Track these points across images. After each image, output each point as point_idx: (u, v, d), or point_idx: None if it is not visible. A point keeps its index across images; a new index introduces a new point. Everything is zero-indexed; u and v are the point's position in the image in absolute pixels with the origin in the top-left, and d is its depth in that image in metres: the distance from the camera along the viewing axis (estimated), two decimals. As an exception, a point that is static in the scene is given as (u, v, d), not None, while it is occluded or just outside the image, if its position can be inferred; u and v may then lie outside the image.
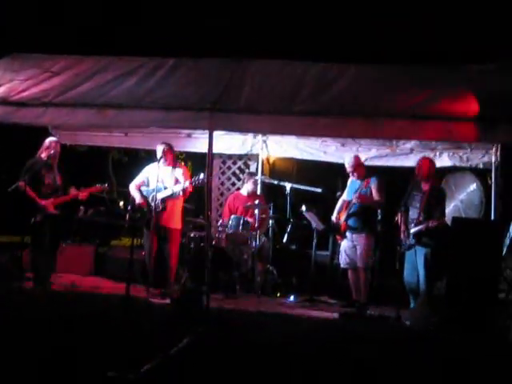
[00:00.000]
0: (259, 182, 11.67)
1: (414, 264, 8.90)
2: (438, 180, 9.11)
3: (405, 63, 9.09)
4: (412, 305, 8.89)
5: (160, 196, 9.59)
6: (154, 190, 9.54)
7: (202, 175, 9.21)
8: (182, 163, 10.15)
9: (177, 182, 9.72)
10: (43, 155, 9.75)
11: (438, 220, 8.66)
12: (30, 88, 9.15)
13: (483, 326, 7.61)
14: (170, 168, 9.81)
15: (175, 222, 9.83)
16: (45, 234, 9.70)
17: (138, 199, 9.79)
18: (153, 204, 9.54)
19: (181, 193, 9.65)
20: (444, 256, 8.53)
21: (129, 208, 10.14)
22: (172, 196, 9.68)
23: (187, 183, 9.52)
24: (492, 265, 8.13)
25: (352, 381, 5.57)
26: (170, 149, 9.80)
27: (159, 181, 9.60)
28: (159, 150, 9.71)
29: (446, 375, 5.81)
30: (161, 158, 9.67)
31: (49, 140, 9.94)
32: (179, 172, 9.80)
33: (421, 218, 8.80)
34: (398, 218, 8.93)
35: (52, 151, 9.77)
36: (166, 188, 9.65)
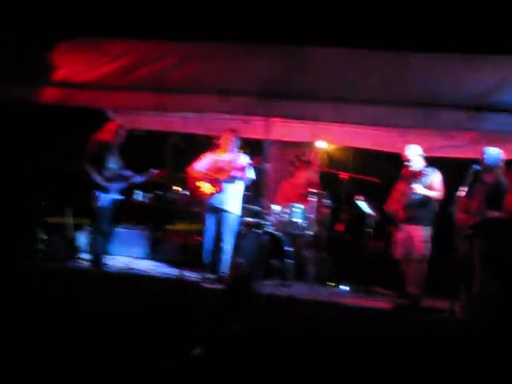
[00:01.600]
0: (315, 170, 11.63)
1: (470, 256, 8.76)
2: (504, 172, 8.90)
3: (468, 50, 8.90)
4: (463, 297, 8.75)
5: (221, 178, 9.65)
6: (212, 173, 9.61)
7: (266, 165, 9.22)
8: (241, 152, 10.14)
9: (238, 168, 9.75)
10: (108, 138, 9.81)
11: (496, 213, 8.53)
12: (90, 71, 9.24)
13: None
14: (232, 154, 9.84)
15: (233, 206, 9.87)
16: (107, 217, 9.81)
17: (198, 177, 9.83)
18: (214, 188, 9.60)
19: (243, 179, 9.70)
20: (500, 250, 8.41)
21: (185, 192, 10.19)
22: (233, 181, 9.72)
23: (251, 171, 9.58)
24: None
25: (401, 373, 5.52)
26: (235, 135, 9.84)
27: (220, 167, 9.67)
28: (226, 136, 9.76)
29: (497, 369, 5.73)
30: (224, 144, 9.72)
31: (117, 124, 10.02)
32: (242, 158, 9.83)
33: (480, 210, 8.66)
34: (458, 207, 8.80)
35: (119, 136, 9.85)
36: (224, 171, 9.71)
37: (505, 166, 8.91)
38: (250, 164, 9.81)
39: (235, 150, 9.90)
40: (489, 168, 8.75)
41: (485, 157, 8.79)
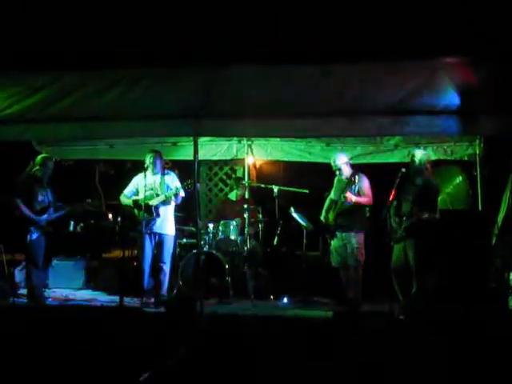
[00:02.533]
0: (246, 186, 11.71)
1: (402, 257, 8.89)
2: (432, 173, 9.09)
3: (381, 59, 9.08)
4: (401, 298, 8.89)
5: (153, 203, 9.64)
6: (145, 199, 9.58)
7: (198, 185, 9.24)
8: (171, 172, 10.15)
9: (167, 188, 9.76)
10: (37, 172, 9.74)
11: (429, 213, 8.68)
12: (13, 105, 9.15)
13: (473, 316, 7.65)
14: (160, 175, 9.85)
15: (169, 228, 9.86)
16: (40, 250, 9.72)
17: (132, 204, 9.80)
18: (145, 211, 9.57)
19: (173, 198, 9.70)
20: (434, 249, 8.56)
21: (119, 218, 10.16)
22: (165, 203, 9.72)
23: (179, 187, 9.58)
24: (482, 255, 8.18)
25: (352, 378, 5.59)
26: (159, 156, 9.85)
27: (150, 189, 9.67)
28: (148, 157, 9.76)
29: (442, 365, 5.84)
30: (149, 166, 9.72)
31: (43, 157, 9.95)
32: (169, 178, 9.85)
33: (413, 211, 8.81)
34: (390, 210, 8.95)
35: (46, 169, 9.78)
36: (158, 195, 9.70)
37: (431, 167, 9.11)
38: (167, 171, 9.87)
39: (160, 170, 9.89)
40: (417, 170, 8.92)
41: (412, 159, 8.97)
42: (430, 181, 8.96)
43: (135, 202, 9.79)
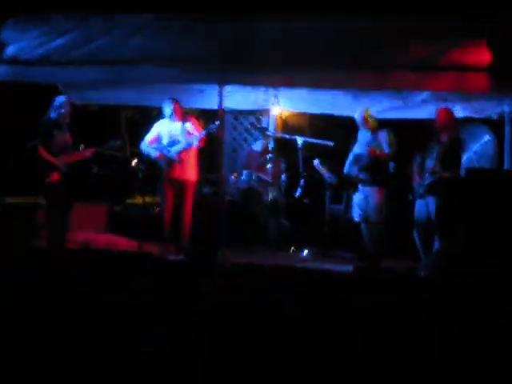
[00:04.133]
0: (270, 136, 11.66)
1: (424, 214, 8.86)
2: (457, 130, 9.00)
3: (414, 13, 8.95)
4: (422, 255, 8.87)
5: (175, 149, 9.63)
6: (167, 145, 9.57)
7: (216, 123, 9.22)
8: (191, 117, 10.14)
9: (189, 135, 9.74)
10: (53, 115, 9.75)
11: (451, 171, 8.62)
12: (40, 46, 9.13)
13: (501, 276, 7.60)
14: (180, 122, 9.83)
15: (191, 173, 9.86)
16: (60, 193, 9.75)
17: (153, 153, 9.80)
18: (167, 158, 9.57)
19: (195, 144, 9.68)
20: (457, 207, 8.50)
21: (141, 165, 10.18)
22: (186, 148, 9.71)
23: (201, 133, 9.57)
24: (508, 214, 8.09)
25: (365, 334, 5.59)
26: (177, 103, 9.82)
27: (171, 135, 9.66)
28: (167, 105, 9.73)
29: (459, 325, 5.82)
30: (169, 113, 9.70)
31: (59, 99, 9.94)
32: (190, 125, 9.82)
33: (436, 169, 8.75)
34: (413, 167, 8.90)
35: (63, 110, 9.77)
36: (179, 142, 9.69)
37: (456, 124, 9.02)
38: (200, 128, 9.83)
39: (180, 117, 9.87)
40: (443, 127, 8.83)
41: (438, 116, 8.88)
42: (455, 138, 8.88)
43: (156, 148, 9.79)
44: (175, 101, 9.83)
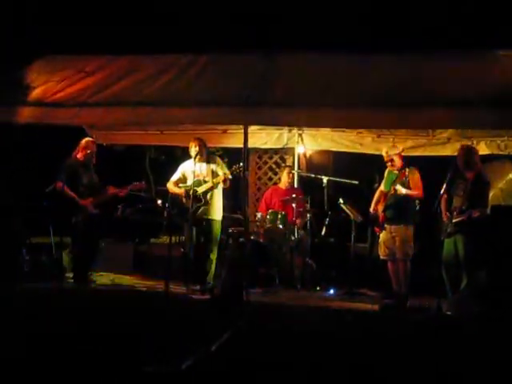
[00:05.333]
0: (296, 175, 11.67)
1: (453, 252, 8.80)
2: (481, 167, 8.97)
3: (435, 49, 8.96)
4: (449, 294, 8.79)
5: (201, 190, 9.67)
6: (193, 185, 9.60)
7: (241, 163, 9.24)
8: (216, 157, 10.20)
9: (214, 175, 9.78)
10: (79, 155, 9.86)
11: (480, 209, 8.58)
12: (65, 89, 9.24)
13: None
14: (205, 163, 9.87)
15: (216, 213, 9.89)
16: (85, 233, 9.81)
17: (180, 193, 9.82)
18: (192, 198, 9.59)
19: (221, 183, 9.72)
20: (485, 245, 8.44)
21: (167, 205, 10.20)
22: (212, 189, 9.75)
23: (227, 172, 9.60)
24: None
25: (392, 372, 5.53)
26: (203, 143, 9.86)
27: (197, 175, 9.69)
28: (193, 146, 9.77)
29: (486, 365, 5.74)
30: (195, 153, 9.73)
31: (85, 140, 10.06)
32: (214, 165, 9.86)
33: (464, 207, 8.71)
34: (441, 205, 8.86)
35: (88, 151, 9.89)
36: (205, 182, 9.72)
37: (481, 161, 8.99)
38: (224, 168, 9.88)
39: (205, 157, 9.92)
40: (467, 165, 8.80)
41: (462, 154, 8.85)
42: (480, 175, 8.84)
43: (184, 190, 9.82)
44: (201, 141, 9.87)
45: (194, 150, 9.79)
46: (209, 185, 9.74)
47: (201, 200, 9.70)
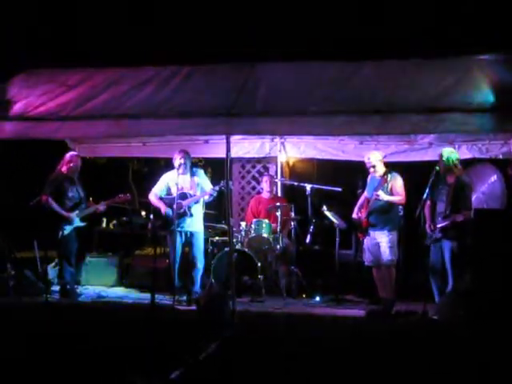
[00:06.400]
0: (279, 184, 11.71)
1: (439, 258, 8.87)
2: (463, 171, 9.04)
3: (414, 56, 9.00)
4: (437, 299, 8.85)
5: (186, 203, 9.67)
6: (177, 197, 9.59)
7: (231, 183, 9.23)
8: (199, 169, 10.21)
9: (198, 187, 9.78)
10: (64, 169, 9.87)
11: (464, 214, 8.64)
12: (46, 103, 9.21)
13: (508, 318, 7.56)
14: (189, 175, 9.88)
15: (199, 225, 9.92)
16: (72, 246, 9.81)
17: (163, 208, 9.82)
18: (176, 211, 9.59)
19: (206, 198, 9.74)
20: (470, 249, 8.49)
21: (151, 217, 10.20)
22: (196, 201, 9.77)
23: (211, 191, 9.62)
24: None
25: (380, 377, 5.55)
26: (188, 155, 9.87)
27: (180, 188, 9.69)
28: (178, 157, 9.78)
29: (473, 369, 5.77)
30: (179, 165, 9.73)
31: (69, 154, 10.08)
32: (198, 178, 9.88)
33: (447, 212, 8.77)
34: (424, 211, 8.92)
35: (73, 165, 9.89)
36: (191, 195, 9.73)
37: (461, 164, 9.06)
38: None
39: (189, 169, 9.93)
40: (448, 169, 8.86)
41: (443, 158, 8.90)
42: (461, 179, 8.91)
43: (164, 202, 9.82)
44: (186, 153, 9.88)
45: (178, 161, 9.79)
46: (195, 198, 9.76)
47: (186, 213, 9.72)
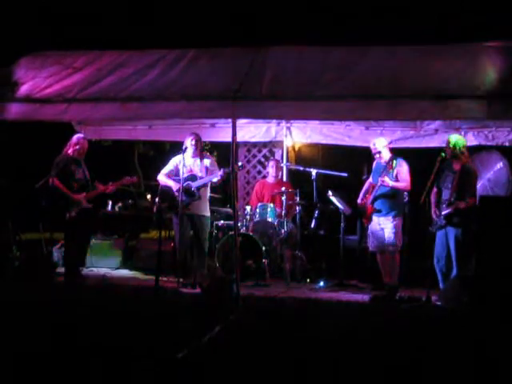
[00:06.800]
0: (285, 168, 11.70)
1: (444, 244, 8.87)
2: (469, 158, 9.02)
3: (422, 42, 8.97)
4: (441, 285, 8.86)
5: (195, 184, 9.66)
6: (186, 179, 9.59)
7: (240, 163, 9.25)
8: (208, 154, 10.21)
9: (207, 171, 9.78)
10: (70, 151, 9.87)
11: (467, 201, 8.64)
12: (53, 85, 9.22)
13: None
14: (199, 158, 9.87)
15: (206, 209, 9.91)
16: (78, 228, 9.82)
17: (173, 185, 9.79)
18: (185, 192, 9.59)
19: (214, 181, 9.72)
20: (474, 236, 8.48)
21: (156, 200, 10.20)
22: (205, 184, 9.76)
23: (221, 172, 9.58)
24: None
25: (381, 363, 5.56)
26: (199, 139, 9.86)
27: (189, 170, 9.70)
28: (189, 140, 9.77)
29: (476, 355, 5.77)
30: (190, 148, 9.73)
31: (76, 137, 10.07)
32: (209, 162, 9.87)
33: (452, 199, 8.77)
34: (430, 197, 8.92)
35: (79, 147, 9.89)
36: (201, 177, 9.72)
37: (468, 151, 9.04)
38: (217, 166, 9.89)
39: (199, 152, 9.91)
40: (455, 156, 8.85)
41: (450, 145, 8.88)
42: (467, 166, 8.89)
43: (174, 183, 9.80)
44: (198, 136, 9.88)
45: (189, 143, 9.78)
46: (203, 181, 9.73)
47: (194, 195, 9.70)
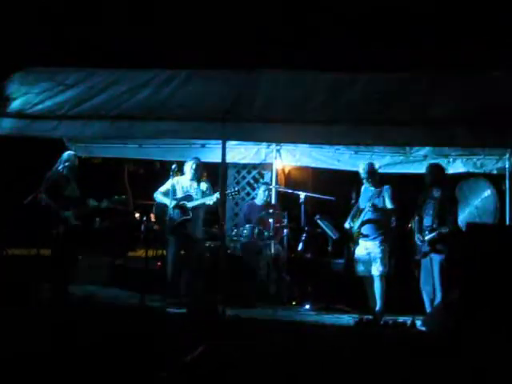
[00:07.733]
0: (273, 191, 11.71)
1: (430, 271, 8.91)
2: (450, 186, 9.10)
3: (411, 70, 9.07)
4: (428, 311, 8.88)
5: (190, 204, 9.69)
6: (182, 199, 9.64)
7: (236, 188, 9.35)
8: (206, 179, 10.28)
9: (203, 195, 9.85)
10: (60, 168, 9.86)
11: (448, 225, 8.70)
12: (45, 101, 9.25)
13: (497, 331, 7.57)
14: (196, 182, 9.93)
15: (199, 231, 9.96)
16: (66, 245, 9.80)
17: (169, 203, 9.81)
18: (180, 211, 9.63)
19: (209, 203, 9.76)
20: (459, 262, 8.51)
21: (144, 219, 10.21)
22: (200, 206, 9.80)
23: (217, 195, 9.62)
24: (508, 269, 8.09)
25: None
26: (200, 164, 9.95)
27: (186, 192, 9.76)
28: (190, 164, 9.86)
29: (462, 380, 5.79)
30: (190, 172, 9.85)
31: (67, 153, 10.07)
32: (205, 186, 9.99)
33: (434, 225, 8.82)
34: (413, 225, 8.98)
35: (70, 164, 9.89)
36: (195, 198, 9.76)
37: (447, 178, 9.13)
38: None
39: (197, 176, 9.97)
40: (434, 183, 8.93)
41: (429, 172, 8.97)
42: (447, 192, 8.98)
43: (172, 202, 9.83)
44: (198, 161, 9.97)
45: (190, 167, 9.91)
46: (200, 201, 9.79)
47: (188, 213, 9.73)
